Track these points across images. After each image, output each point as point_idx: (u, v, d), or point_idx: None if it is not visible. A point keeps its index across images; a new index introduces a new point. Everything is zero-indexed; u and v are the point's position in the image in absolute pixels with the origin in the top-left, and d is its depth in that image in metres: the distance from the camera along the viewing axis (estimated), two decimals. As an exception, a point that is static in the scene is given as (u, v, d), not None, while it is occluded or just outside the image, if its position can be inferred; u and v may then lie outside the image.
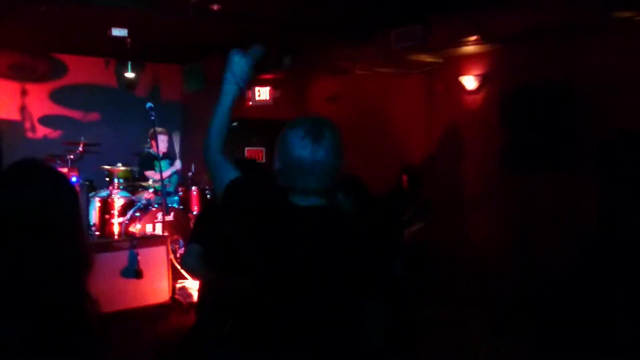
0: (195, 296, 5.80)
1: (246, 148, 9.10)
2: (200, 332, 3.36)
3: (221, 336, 3.03)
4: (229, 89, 2.13)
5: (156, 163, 6.89)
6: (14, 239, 1.47)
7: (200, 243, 3.22)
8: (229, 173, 2.04)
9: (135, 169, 7.24)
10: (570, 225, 5.35)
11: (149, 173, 7.10)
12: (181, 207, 7.22)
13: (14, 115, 8.22)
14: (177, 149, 7.12)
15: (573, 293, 5.01)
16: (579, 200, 5.33)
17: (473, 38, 5.86)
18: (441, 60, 6.62)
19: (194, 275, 3.52)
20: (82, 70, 8.78)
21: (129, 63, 7.20)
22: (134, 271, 5.39)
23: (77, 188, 6.80)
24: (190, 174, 7.94)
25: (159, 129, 6.84)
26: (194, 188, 7.50)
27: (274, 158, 1.97)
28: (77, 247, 1.58)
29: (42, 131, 8.51)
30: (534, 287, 5.40)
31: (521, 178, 5.63)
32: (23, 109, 8.38)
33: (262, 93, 8.71)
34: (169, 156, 7.50)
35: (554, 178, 5.46)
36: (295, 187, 1.93)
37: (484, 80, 6.26)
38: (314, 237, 1.91)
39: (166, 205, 6.50)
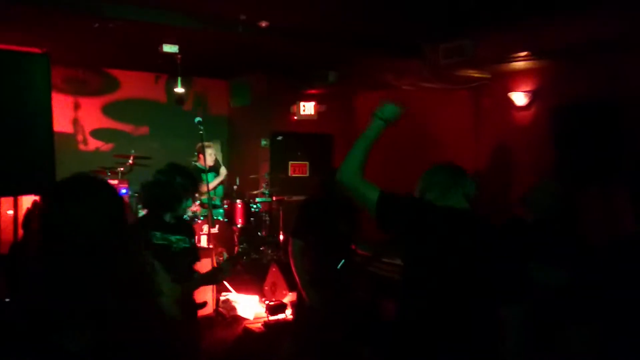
0: (237, 310, 5.83)
1: (290, 162, 9.16)
2: None
3: None
4: (377, 124, 2.41)
5: (203, 176, 6.98)
6: (69, 252, 1.50)
7: (300, 239, 4.01)
8: (372, 191, 2.34)
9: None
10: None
11: (195, 186, 7.19)
12: (226, 219, 7.29)
13: (67, 127, 8.48)
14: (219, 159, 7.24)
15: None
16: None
17: (523, 54, 5.75)
18: (489, 76, 6.52)
19: (297, 265, 4.02)
20: (133, 85, 9.00)
21: (179, 78, 7.34)
22: (179, 283, 5.44)
23: (127, 200, 6.94)
24: (235, 187, 8.03)
25: (206, 143, 6.93)
26: (238, 201, 7.56)
27: (418, 188, 2.46)
28: (129, 260, 1.60)
29: (94, 144, 8.74)
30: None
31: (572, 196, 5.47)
32: (76, 122, 8.64)
33: (307, 108, 8.75)
34: (215, 169, 7.59)
35: (606, 196, 5.28)
36: (449, 192, 2.36)
37: (534, 96, 6.13)
38: (469, 232, 2.26)
39: (212, 217, 6.57)
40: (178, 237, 3.35)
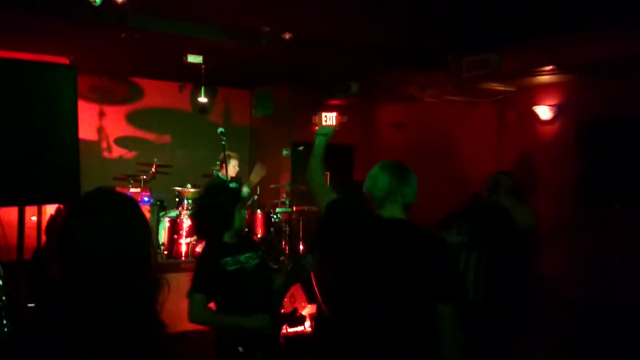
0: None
1: (311, 172, 9.13)
2: None
3: None
4: (320, 139, 3.06)
5: (224, 186, 7.01)
6: (89, 270, 1.50)
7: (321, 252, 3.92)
8: (328, 196, 2.71)
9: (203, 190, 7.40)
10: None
11: (215, 195, 7.23)
12: (246, 229, 7.29)
13: (92, 135, 8.61)
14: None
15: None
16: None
17: (548, 68, 5.68)
18: (514, 89, 6.45)
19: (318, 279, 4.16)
20: (157, 94, 9.11)
21: (202, 88, 7.41)
22: (199, 293, 5.46)
23: (149, 207, 7.00)
24: (255, 197, 8.04)
25: (232, 154, 6.97)
26: (258, 211, 7.57)
27: (365, 185, 2.60)
28: (148, 277, 1.59)
29: (117, 151, 8.85)
30: (610, 330, 5.12)
31: (597, 214, 5.38)
32: (100, 130, 8.77)
33: (329, 118, 8.71)
34: (237, 180, 7.61)
35: (633, 215, 5.18)
36: (388, 201, 2.51)
37: (559, 110, 6.05)
38: (395, 241, 2.43)
39: (232, 227, 6.57)
40: (247, 254, 3.34)
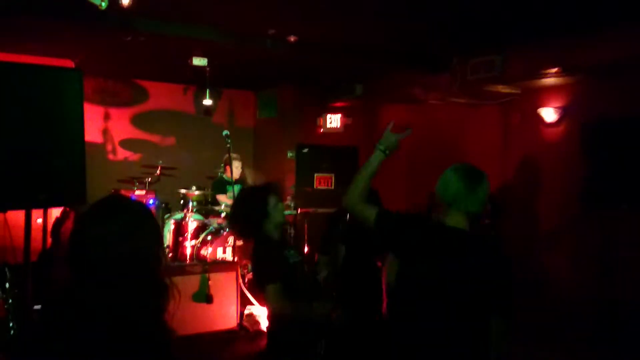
0: (262, 324, 5.81)
1: (315, 174, 9.14)
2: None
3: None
4: (378, 155, 2.60)
5: (229, 188, 7.01)
6: (98, 275, 1.50)
7: (327, 255, 4.11)
8: (372, 210, 2.51)
9: (208, 192, 7.39)
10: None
11: (220, 197, 7.23)
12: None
13: (97, 137, 8.62)
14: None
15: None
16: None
17: (553, 70, 5.67)
18: (519, 92, 6.44)
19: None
20: (162, 96, 9.12)
21: (207, 90, 7.41)
22: (204, 296, 5.46)
23: (154, 210, 6.99)
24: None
25: (234, 155, 6.96)
26: (263, 213, 7.55)
27: (437, 187, 2.47)
28: (157, 282, 1.60)
29: (122, 154, 8.86)
30: (615, 329, 5.10)
31: (602, 214, 5.37)
32: (105, 132, 8.77)
33: (333, 120, 8.76)
34: (242, 182, 7.61)
35: (638, 216, 5.17)
36: (454, 208, 2.40)
37: (563, 112, 6.04)
38: (456, 253, 2.35)
39: (237, 230, 6.56)
40: (292, 251, 3.31)
